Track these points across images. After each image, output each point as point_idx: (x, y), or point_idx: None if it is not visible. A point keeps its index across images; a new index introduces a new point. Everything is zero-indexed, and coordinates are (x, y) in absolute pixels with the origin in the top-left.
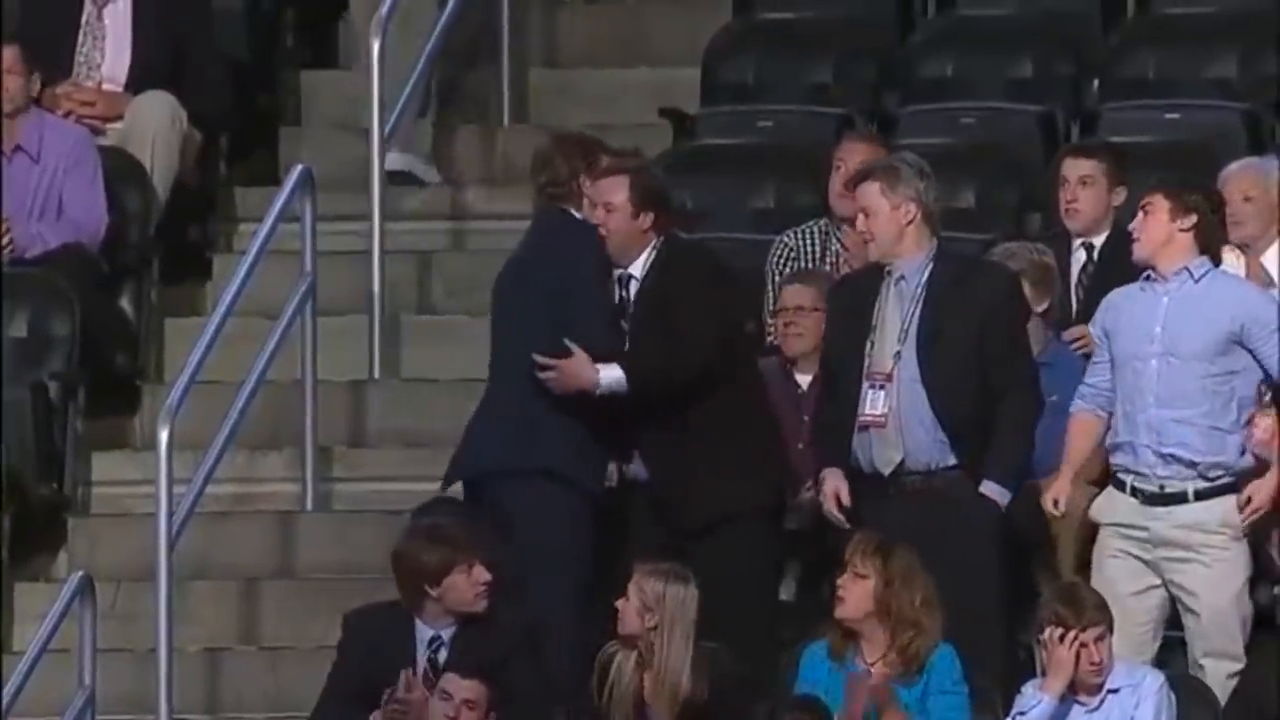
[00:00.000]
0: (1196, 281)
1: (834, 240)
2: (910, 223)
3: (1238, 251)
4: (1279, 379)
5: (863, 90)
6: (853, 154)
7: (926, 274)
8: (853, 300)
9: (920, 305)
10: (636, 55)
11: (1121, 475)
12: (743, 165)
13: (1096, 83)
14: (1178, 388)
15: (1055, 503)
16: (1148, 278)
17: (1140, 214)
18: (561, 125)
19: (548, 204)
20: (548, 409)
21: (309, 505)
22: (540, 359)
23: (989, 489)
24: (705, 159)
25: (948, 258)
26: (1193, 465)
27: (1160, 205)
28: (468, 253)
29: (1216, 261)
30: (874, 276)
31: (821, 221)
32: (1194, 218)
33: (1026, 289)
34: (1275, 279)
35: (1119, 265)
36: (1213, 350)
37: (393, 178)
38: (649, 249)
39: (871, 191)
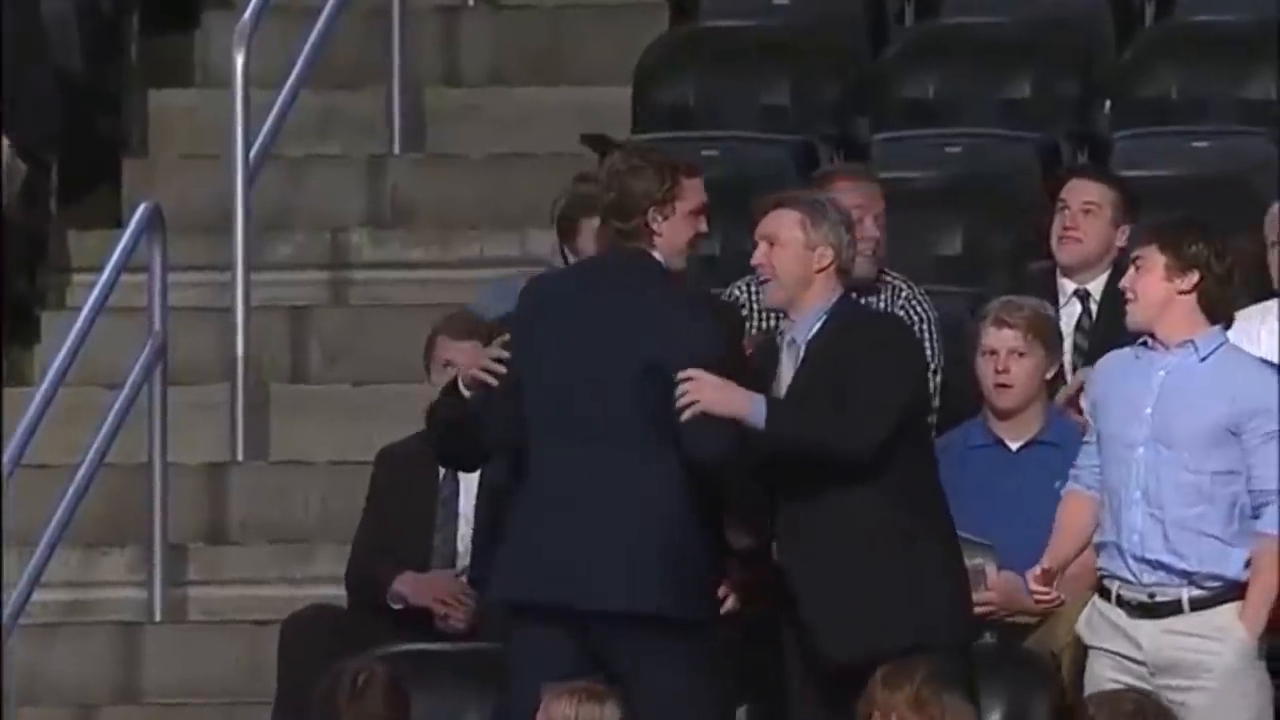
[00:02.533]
0: (1202, 359)
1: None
2: (821, 271)
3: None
4: (1253, 494)
5: (827, 114)
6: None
7: (814, 331)
8: (760, 368)
9: (798, 368)
10: (555, 72)
11: (1106, 581)
12: None
13: (1108, 105)
14: (1168, 484)
15: (1046, 581)
16: (1144, 343)
17: (1132, 269)
18: (464, 155)
19: (621, 244)
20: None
21: (157, 614)
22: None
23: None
24: None
25: (843, 314)
26: (1185, 574)
27: (1154, 260)
28: (350, 308)
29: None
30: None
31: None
32: (1195, 276)
33: (1034, 354)
34: None
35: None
36: (1208, 442)
37: None
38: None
39: (789, 221)
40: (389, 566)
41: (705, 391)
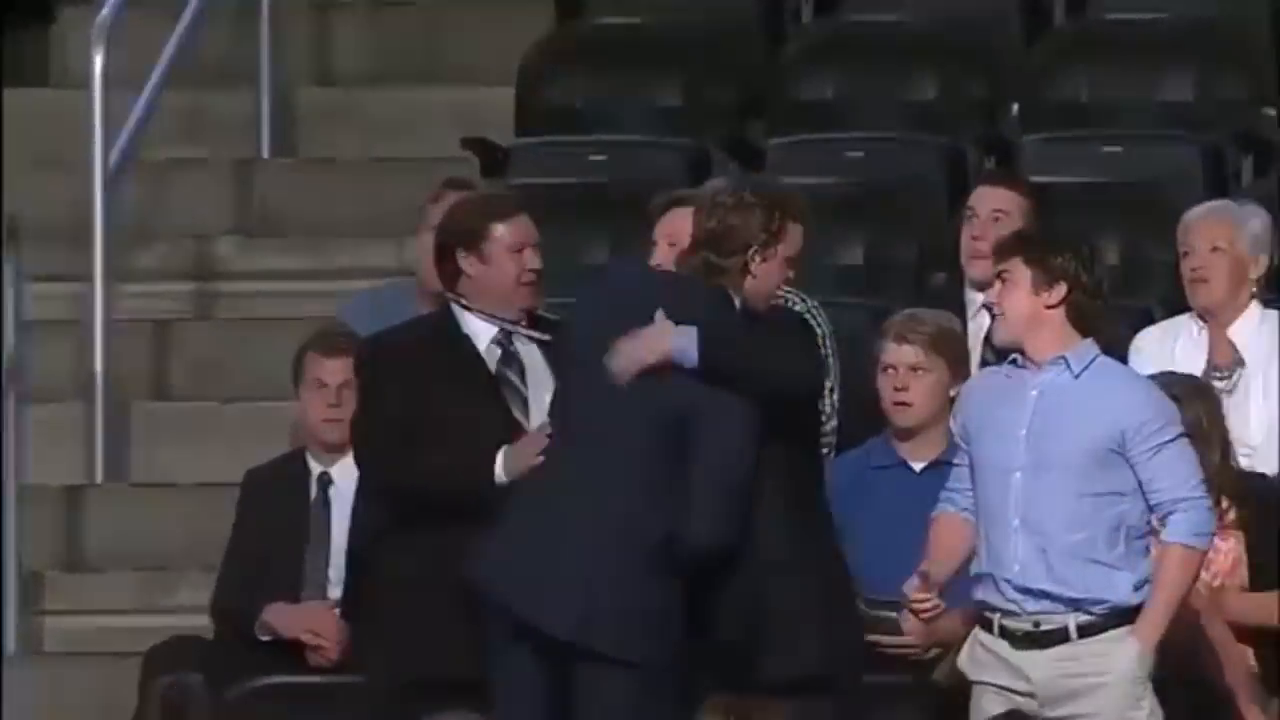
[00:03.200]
0: (1076, 375)
1: None
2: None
3: (1199, 323)
4: (1157, 506)
5: (721, 117)
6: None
7: None
8: None
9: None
10: (433, 71)
11: (988, 613)
12: (569, 210)
13: (1016, 108)
14: (1048, 509)
15: (925, 588)
16: (1014, 361)
17: (998, 284)
18: (338, 158)
19: (708, 277)
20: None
21: (10, 646)
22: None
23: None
24: (523, 202)
25: (754, 311)
26: (1071, 602)
27: (1020, 274)
28: (217, 322)
29: (1109, 346)
30: None
31: None
32: (1063, 288)
33: (937, 370)
34: (1246, 360)
35: None
36: (1088, 463)
37: None
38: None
39: (688, 220)
40: (257, 595)
41: (634, 353)
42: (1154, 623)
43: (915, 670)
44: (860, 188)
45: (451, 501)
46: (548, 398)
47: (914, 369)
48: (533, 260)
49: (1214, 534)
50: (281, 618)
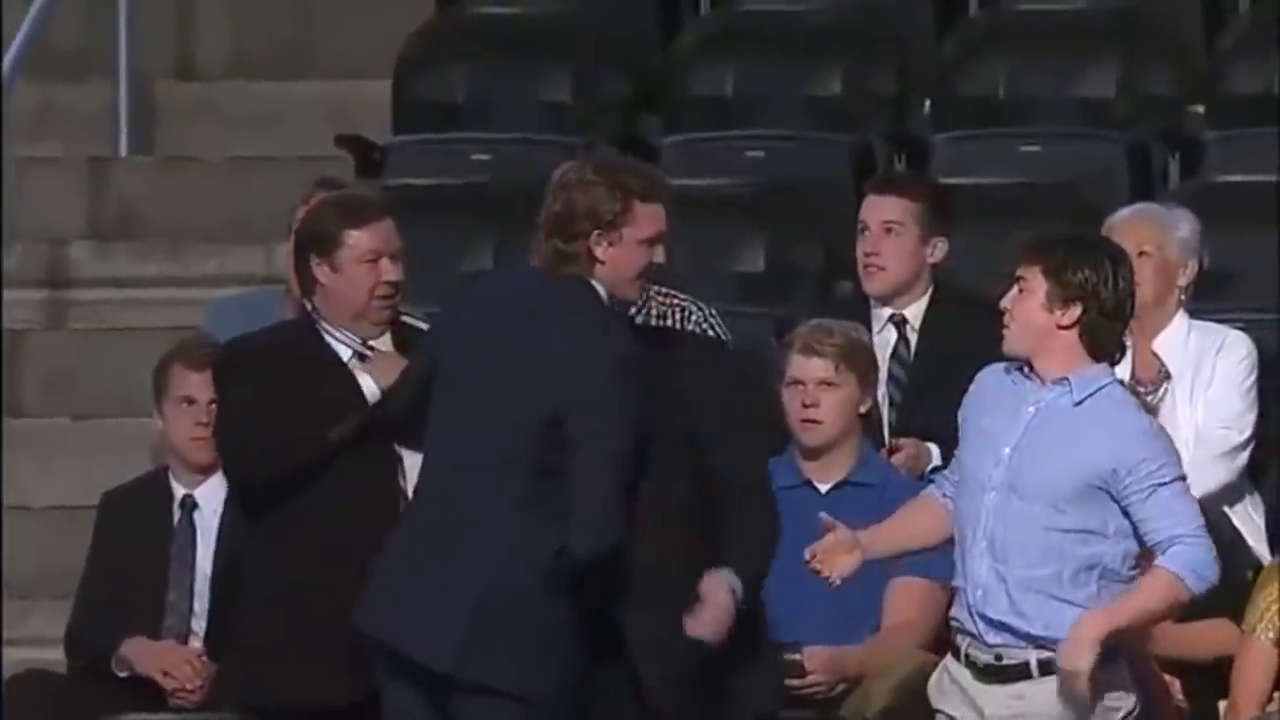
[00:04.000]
0: (1077, 402)
1: None
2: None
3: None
4: (1156, 544)
5: (612, 113)
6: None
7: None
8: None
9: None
10: (304, 64)
11: (958, 636)
12: (449, 212)
13: (928, 104)
14: (1015, 537)
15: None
16: (1022, 369)
17: (1014, 289)
18: (200, 156)
19: (559, 266)
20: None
21: None
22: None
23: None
24: (399, 203)
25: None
26: (1030, 638)
27: (1036, 284)
28: (71, 332)
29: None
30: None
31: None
32: (1078, 309)
33: (847, 385)
34: (1172, 373)
35: (949, 347)
36: (1067, 497)
37: None
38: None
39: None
40: (115, 627)
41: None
42: (1111, 617)
43: (822, 707)
44: (761, 189)
45: (315, 451)
46: None
47: (823, 384)
48: (389, 271)
49: (1212, 582)
50: (139, 653)
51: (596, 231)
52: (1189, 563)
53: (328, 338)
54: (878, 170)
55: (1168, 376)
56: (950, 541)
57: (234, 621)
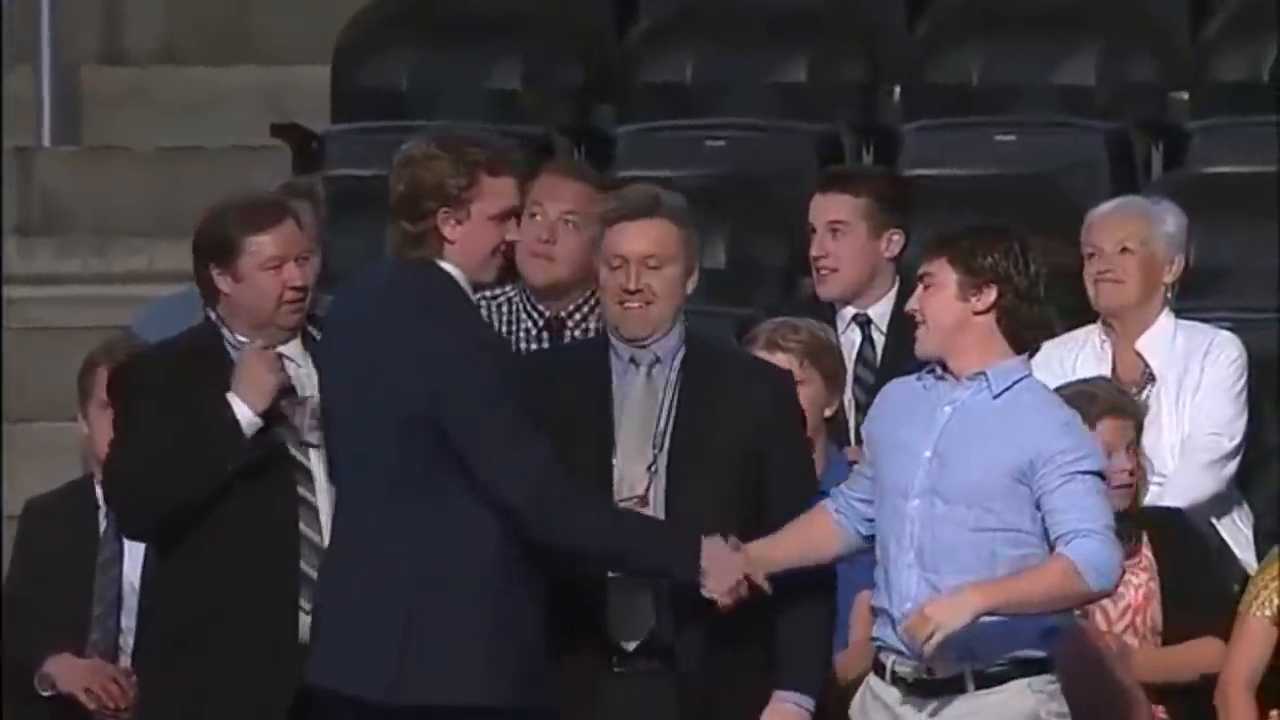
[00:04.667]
0: (995, 395)
1: (526, 317)
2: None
3: (1104, 335)
4: (1059, 537)
5: (565, 101)
6: (556, 196)
7: (679, 359)
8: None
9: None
10: (239, 49)
11: (882, 654)
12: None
13: (898, 92)
14: (945, 544)
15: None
16: (933, 371)
17: (920, 288)
18: (128, 147)
19: (407, 251)
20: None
21: None
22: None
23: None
24: (340, 196)
25: (698, 344)
26: (966, 649)
27: (945, 277)
28: None
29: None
30: (600, 350)
31: (509, 290)
32: (992, 292)
33: (812, 384)
34: (1156, 374)
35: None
36: (992, 495)
37: None
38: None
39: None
40: (39, 643)
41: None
42: (997, 590)
43: None
44: (722, 181)
45: (197, 486)
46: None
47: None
48: (296, 276)
49: (1115, 584)
50: (62, 671)
51: (443, 210)
52: (1090, 557)
53: (232, 350)
54: (845, 162)
55: (1152, 379)
56: (848, 558)
57: (151, 650)
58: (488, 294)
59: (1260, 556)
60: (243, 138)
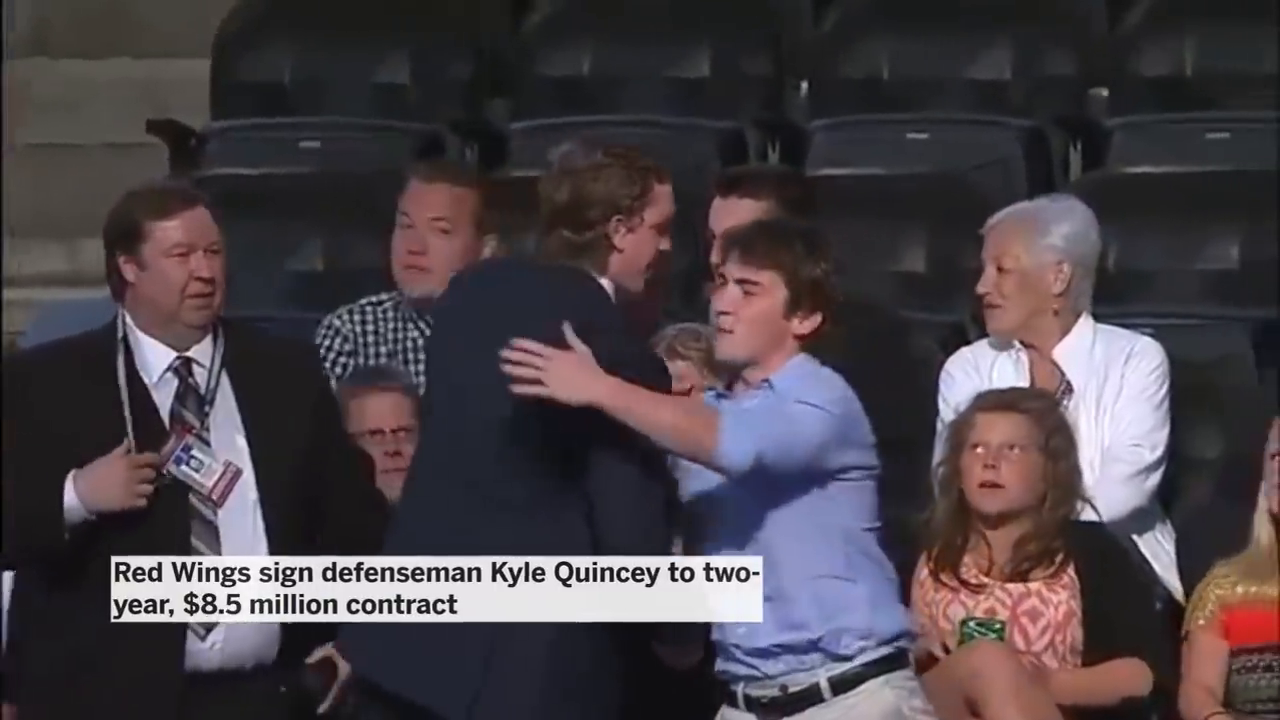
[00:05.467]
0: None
1: (412, 325)
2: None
3: (1019, 353)
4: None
5: (456, 96)
6: (423, 203)
7: None
8: None
9: None
10: (113, 40)
11: (729, 687)
12: (274, 205)
13: (804, 87)
14: (762, 545)
15: None
16: (723, 396)
17: (738, 292)
18: None
19: (568, 259)
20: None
21: None
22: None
23: None
24: (218, 196)
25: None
26: (813, 645)
27: (774, 289)
28: None
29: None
30: None
31: (395, 295)
32: (818, 318)
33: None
34: (1074, 385)
35: (827, 351)
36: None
37: None
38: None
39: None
40: None
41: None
42: (627, 395)
43: None
44: None
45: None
46: (240, 440)
47: (691, 390)
48: (203, 267)
49: (741, 462)
50: None
51: (616, 218)
52: (737, 428)
53: (138, 352)
54: (750, 160)
55: (1069, 389)
56: None
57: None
58: (373, 299)
59: (1182, 575)
60: (117, 134)
